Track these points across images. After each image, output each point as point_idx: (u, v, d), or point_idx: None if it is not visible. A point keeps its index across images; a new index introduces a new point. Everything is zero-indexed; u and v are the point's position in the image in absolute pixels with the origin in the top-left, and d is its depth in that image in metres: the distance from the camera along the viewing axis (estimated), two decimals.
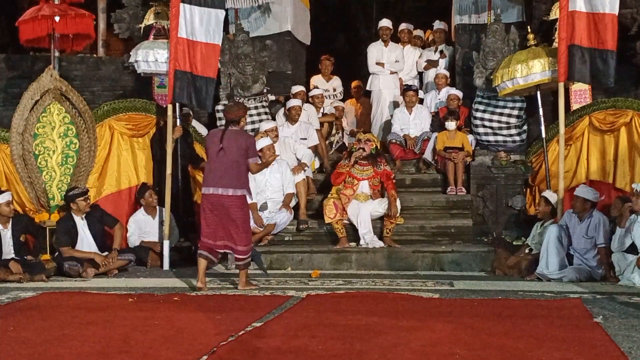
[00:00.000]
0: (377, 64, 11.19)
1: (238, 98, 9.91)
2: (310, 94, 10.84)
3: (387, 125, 10.94)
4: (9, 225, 8.24)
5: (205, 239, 7.04)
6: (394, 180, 8.98)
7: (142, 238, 9.17)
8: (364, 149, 8.91)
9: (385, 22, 11.44)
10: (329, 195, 8.95)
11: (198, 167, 9.66)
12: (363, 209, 8.73)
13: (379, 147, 9.26)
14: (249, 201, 8.95)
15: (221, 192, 6.92)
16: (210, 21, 8.91)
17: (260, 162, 7.59)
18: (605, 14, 8.28)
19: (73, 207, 8.52)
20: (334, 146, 10.84)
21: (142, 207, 9.30)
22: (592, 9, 8.28)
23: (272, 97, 10.56)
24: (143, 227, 9.21)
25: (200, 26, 8.86)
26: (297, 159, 9.58)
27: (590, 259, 7.53)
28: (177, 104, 9.13)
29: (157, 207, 9.26)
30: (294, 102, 9.93)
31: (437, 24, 11.66)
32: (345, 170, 8.91)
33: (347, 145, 10.72)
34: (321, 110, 10.78)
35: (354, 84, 12.35)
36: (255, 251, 7.49)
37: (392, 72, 11.22)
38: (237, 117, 7.08)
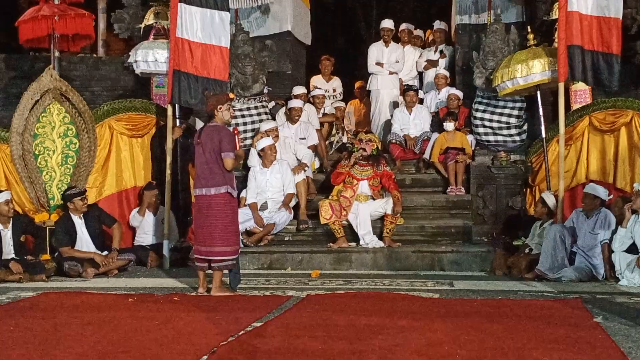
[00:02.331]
0: (377, 64, 11.20)
1: (238, 98, 9.91)
2: (312, 93, 10.84)
3: (386, 125, 10.94)
4: (9, 226, 8.24)
5: (195, 245, 6.92)
6: (395, 180, 8.97)
7: (143, 238, 9.20)
8: (364, 149, 8.91)
9: (387, 23, 11.44)
10: (330, 197, 8.95)
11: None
12: (362, 209, 8.72)
13: (380, 148, 9.25)
14: (250, 201, 9.02)
15: (205, 192, 6.67)
16: (212, 22, 8.88)
17: (234, 156, 6.75)
18: (610, 17, 8.29)
19: (70, 207, 8.51)
20: (334, 146, 10.84)
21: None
22: (596, 12, 8.29)
23: (272, 104, 10.55)
24: (144, 226, 9.23)
25: (199, 27, 8.85)
26: (298, 159, 9.58)
27: (594, 257, 7.52)
28: (177, 104, 9.13)
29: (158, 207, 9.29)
30: (295, 103, 9.91)
31: (437, 24, 11.66)
32: (345, 170, 8.90)
33: (347, 145, 10.72)
34: (321, 111, 10.78)
35: (357, 84, 12.34)
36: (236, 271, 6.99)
37: (391, 73, 11.22)
38: (211, 109, 6.72)
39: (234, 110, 9.85)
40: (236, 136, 7.08)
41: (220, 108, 6.68)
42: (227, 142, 6.63)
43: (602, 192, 7.72)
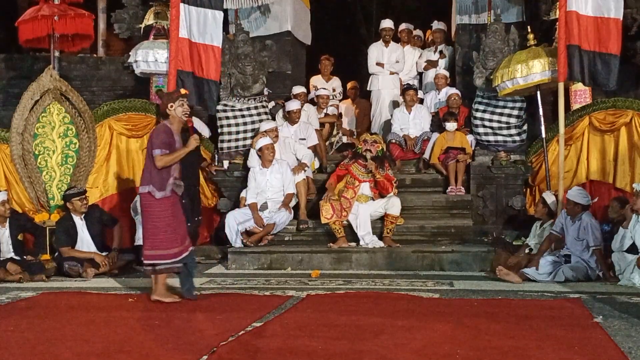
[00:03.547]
0: (377, 64, 11.20)
1: (238, 98, 9.92)
2: (316, 93, 10.83)
3: (386, 125, 10.94)
4: (7, 225, 8.23)
5: None
6: (395, 184, 8.92)
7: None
8: (370, 151, 8.82)
9: (387, 23, 11.44)
10: (329, 196, 8.89)
11: (199, 167, 9.72)
12: (362, 210, 8.70)
13: (384, 150, 9.18)
14: (250, 201, 9.01)
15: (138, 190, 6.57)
16: (207, 22, 8.90)
17: (163, 153, 6.32)
18: (610, 18, 8.29)
19: (70, 207, 8.51)
20: (334, 146, 10.84)
21: None
22: (596, 12, 8.29)
23: (272, 104, 10.55)
24: None
25: (199, 27, 8.86)
26: (297, 159, 9.58)
27: (588, 260, 7.50)
28: None
29: None
30: (292, 106, 9.89)
31: (436, 24, 11.66)
32: (350, 179, 8.84)
33: (346, 143, 10.73)
34: (324, 111, 10.77)
35: (350, 85, 12.34)
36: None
37: (391, 73, 11.22)
38: (164, 109, 6.50)
39: (234, 110, 9.90)
40: (190, 125, 6.68)
41: (172, 106, 6.43)
42: (156, 140, 6.35)
43: (582, 199, 7.64)
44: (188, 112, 6.56)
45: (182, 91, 6.56)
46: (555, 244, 7.80)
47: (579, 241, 7.53)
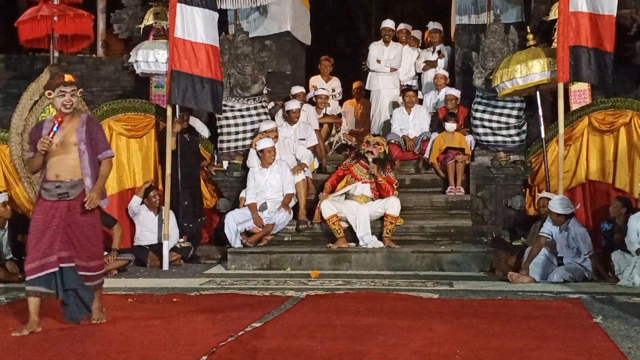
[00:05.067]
0: (377, 61, 11.21)
1: (237, 98, 9.91)
2: (315, 93, 10.83)
3: (386, 125, 10.94)
4: (6, 226, 8.22)
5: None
6: (395, 187, 8.92)
7: (142, 239, 9.19)
8: (371, 152, 8.80)
9: (388, 23, 11.46)
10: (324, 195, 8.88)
11: (199, 167, 9.71)
12: (362, 211, 8.69)
13: (387, 152, 9.16)
14: (249, 201, 9.01)
15: None
16: (208, 22, 8.91)
17: (29, 156, 5.49)
18: (604, 15, 8.29)
19: None
20: (333, 146, 10.84)
21: (144, 204, 9.33)
22: (592, 9, 8.29)
23: (272, 104, 10.54)
24: (145, 224, 9.22)
25: (199, 27, 8.85)
26: (297, 160, 9.58)
27: (582, 263, 7.44)
28: (176, 105, 9.12)
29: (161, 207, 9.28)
30: (292, 105, 9.89)
31: (431, 25, 11.65)
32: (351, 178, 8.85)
33: (345, 143, 10.72)
34: (323, 111, 10.77)
35: (355, 84, 12.32)
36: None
37: (392, 70, 11.21)
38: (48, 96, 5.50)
39: (233, 110, 9.90)
40: (56, 123, 5.43)
41: (51, 94, 5.41)
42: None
43: (562, 209, 7.48)
44: (69, 104, 5.44)
45: (67, 77, 5.47)
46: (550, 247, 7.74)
47: (569, 249, 7.49)
